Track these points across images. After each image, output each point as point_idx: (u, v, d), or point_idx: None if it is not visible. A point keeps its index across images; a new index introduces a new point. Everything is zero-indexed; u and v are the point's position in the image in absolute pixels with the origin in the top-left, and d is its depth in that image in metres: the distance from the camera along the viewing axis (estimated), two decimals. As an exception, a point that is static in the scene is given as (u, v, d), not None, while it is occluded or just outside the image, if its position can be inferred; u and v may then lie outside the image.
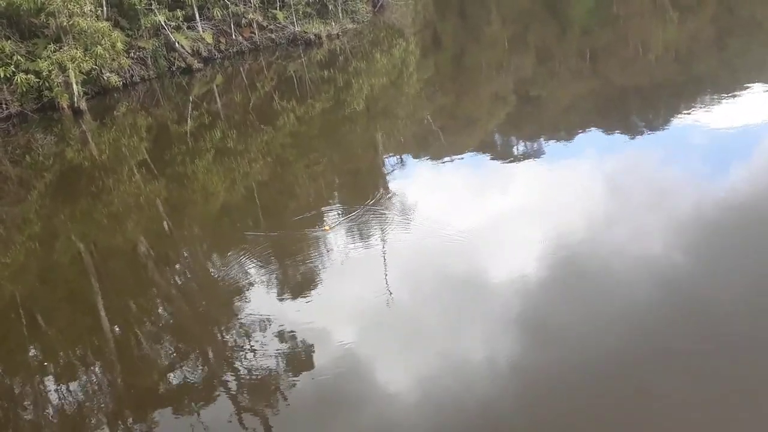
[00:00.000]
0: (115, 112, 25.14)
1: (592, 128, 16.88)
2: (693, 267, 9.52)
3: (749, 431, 6.58)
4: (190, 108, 25.03)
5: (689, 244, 10.10)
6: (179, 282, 12.00)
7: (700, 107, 17.12)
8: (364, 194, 14.42)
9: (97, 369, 9.49)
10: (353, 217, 13.00)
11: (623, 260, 9.90)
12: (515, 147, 17.55)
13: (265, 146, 19.58)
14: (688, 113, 16.64)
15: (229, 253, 12.14)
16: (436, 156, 16.55)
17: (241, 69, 30.64)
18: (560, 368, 7.82)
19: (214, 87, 28.33)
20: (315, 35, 33.62)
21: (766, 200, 11.03)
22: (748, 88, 17.95)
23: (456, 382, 7.82)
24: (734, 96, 17.51)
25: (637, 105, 18.85)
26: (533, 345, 8.37)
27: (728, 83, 19.30)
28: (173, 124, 23.38)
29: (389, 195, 14.13)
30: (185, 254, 13.08)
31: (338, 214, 13.41)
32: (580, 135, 16.66)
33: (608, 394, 7.34)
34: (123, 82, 26.92)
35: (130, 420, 8.28)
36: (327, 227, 11.32)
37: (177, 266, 12.66)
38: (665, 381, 7.35)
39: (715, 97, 17.99)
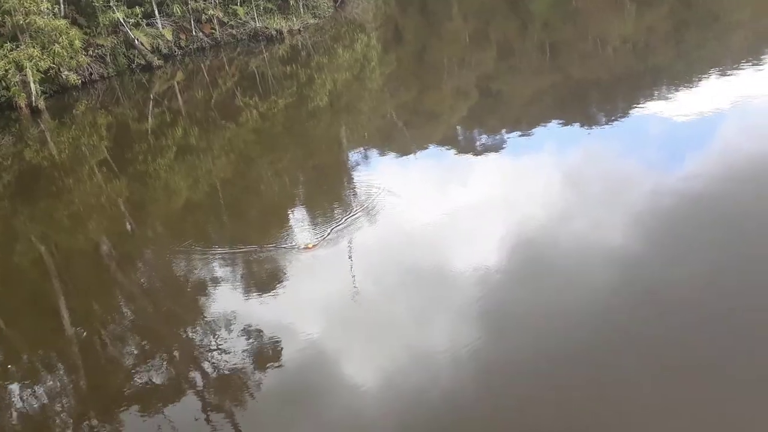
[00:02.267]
0: (74, 110, 24.79)
1: (553, 121, 17.08)
2: (650, 254, 9.70)
3: (701, 410, 6.74)
4: (150, 105, 24.78)
5: (646, 232, 10.30)
6: (143, 282, 11.89)
7: (657, 98, 17.44)
8: (329, 190, 14.46)
9: (61, 370, 9.38)
10: (321, 214, 13.03)
11: (582, 249, 10.08)
12: (478, 141, 17.67)
13: (228, 143, 19.47)
14: (646, 104, 16.94)
15: (194, 252, 12.06)
16: (401, 151, 16.62)
17: (203, 65, 30.39)
18: (521, 356, 7.95)
19: (175, 84, 28.06)
20: (276, 31, 33.48)
21: (719, 188, 11.27)
22: (703, 79, 18.33)
23: (420, 372, 7.89)
24: (690, 87, 17.89)
25: (596, 97, 19.12)
26: (495, 333, 8.48)
27: (684, 75, 19.69)
28: (134, 122, 23.13)
29: (355, 191, 14.17)
30: (148, 254, 12.95)
31: (305, 213, 13.44)
32: (541, 128, 16.84)
33: (568, 379, 7.47)
34: (82, 81, 26.55)
35: (96, 421, 8.20)
36: (310, 245, 11.25)
37: (140, 266, 12.53)
38: (623, 366, 7.51)
39: (672, 88, 18.33)
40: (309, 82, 25.82)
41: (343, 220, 12.27)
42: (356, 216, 12.35)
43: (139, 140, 20.51)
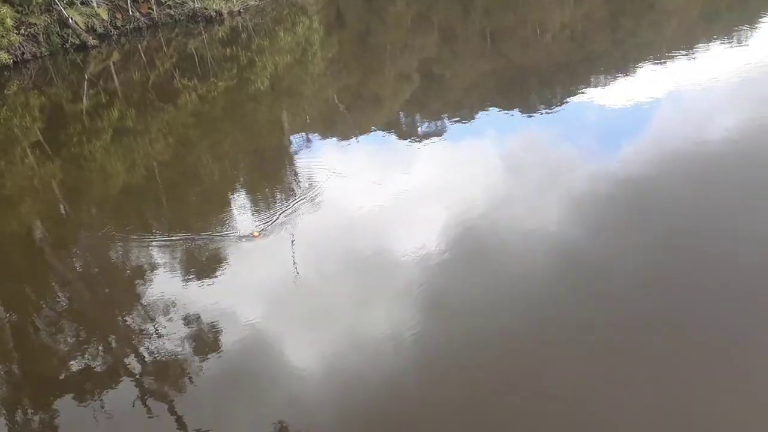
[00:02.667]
0: (5, 90, 23.97)
1: (493, 107, 17.26)
2: (586, 240, 9.92)
3: (636, 394, 6.94)
4: (85, 86, 24.12)
5: (583, 218, 10.53)
6: (78, 267, 11.61)
7: (594, 86, 17.78)
8: (271, 175, 14.34)
9: (-8, 358, 9.11)
10: (264, 200, 12.91)
11: (521, 235, 10.23)
12: (419, 125, 17.75)
13: (167, 126, 19.11)
14: (583, 92, 17.25)
15: (131, 238, 11.83)
16: (343, 135, 16.58)
17: (139, 46, 29.70)
18: (462, 339, 8.04)
19: (111, 65, 27.36)
20: (216, 12, 32.95)
21: (653, 173, 11.57)
22: (638, 66, 18.75)
23: (361, 357, 7.93)
24: (625, 74, 18.27)
25: (535, 84, 19.38)
26: (435, 319, 8.55)
27: (620, 62, 20.13)
28: (68, 103, 22.49)
29: (297, 176, 14.08)
30: (84, 238, 12.65)
31: (247, 199, 13.30)
32: (482, 114, 17.02)
33: (508, 362, 7.59)
34: (13, 60, 25.72)
35: (30, 410, 8.00)
36: (255, 233, 11.08)
37: (75, 251, 12.23)
38: (563, 347, 7.67)
39: (608, 75, 18.73)
40: (250, 65, 25.49)
41: (285, 206, 12.19)
42: (299, 202, 12.28)
43: (74, 122, 19.95)
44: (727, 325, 7.65)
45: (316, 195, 12.54)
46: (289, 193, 12.95)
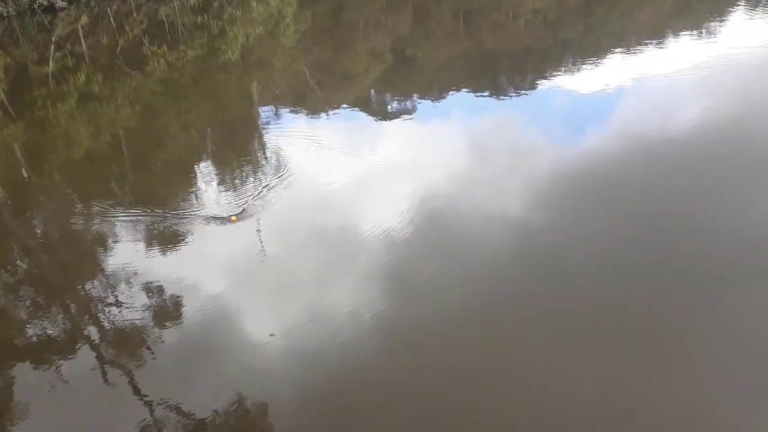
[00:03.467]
0: (-32, 50, 23.43)
1: (464, 89, 17.32)
2: (549, 223, 10.08)
3: (594, 374, 7.12)
4: (52, 49, 23.64)
5: (546, 201, 10.68)
6: (39, 232, 11.49)
7: (564, 72, 17.93)
8: (238, 147, 14.27)
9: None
10: (229, 173, 12.86)
11: (485, 216, 10.35)
12: (389, 104, 17.77)
13: (134, 92, 18.86)
14: (553, 77, 17.39)
15: (93, 203, 11.72)
16: (312, 110, 16.53)
17: (109, 10, 29.14)
18: (423, 319, 8.14)
19: (79, 28, 26.83)
20: (188, -21, 32.40)
21: (617, 159, 11.77)
22: (609, 54, 18.94)
23: (321, 332, 7.99)
24: (596, 62, 18.43)
25: (506, 68, 19.49)
26: (398, 297, 8.64)
27: (591, 49, 20.32)
28: (34, 65, 22.05)
29: (264, 149, 14.04)
30: (45, 203, 12.50)
31: (211, 169, 13.23)
32: (452, 95, 17.09)
33: (468, 343, 7.71)
34: (-23, 18, 25.09)
35: (-14, 375, 7.95)
36: (233, 217, 10.88)
37: (36, 216, 12.08)
38: (524, 329, 7.83)
39: (578, 62, 18.88)
40: (220, 34, 25.20)
41: (253, 183, 12.16)
42: (268, 179, 12.25)
43: (39, 85, 19.59)
44: (683, 308, 7.87)
45: (283, 171, 12.51)
46: (257, 168, 12.91)
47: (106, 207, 11.56)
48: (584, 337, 7.63)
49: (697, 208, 10.11)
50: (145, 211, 11.29)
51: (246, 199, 11.50)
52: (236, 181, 12.44)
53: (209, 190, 12.19)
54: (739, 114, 13.25)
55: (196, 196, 11.92)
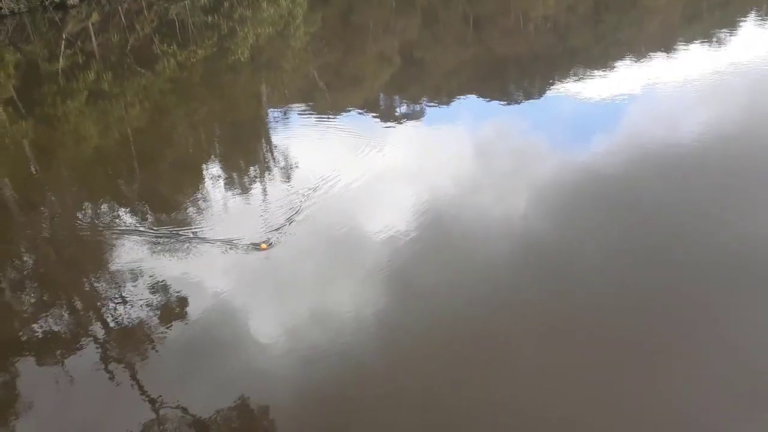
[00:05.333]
0: (-20, 46, 23.56)
1: (472, 94, 17.35)
2: (553, 227, 10.10)
3: (588, 373, 7.14)
4: (62, 46, 23.76)
5: (549, 208, 10.70)
6: (46, 228, 11.55)
7: (573, 79, 17.91)
8: (246, 148, 14.33)
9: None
10: (237, 173, 12.91)
11: (490, 221, 10.38)
12: (397, 108, 17.80)
13: (143, 91, 18.94)
14: (562, 84, 17.39)
15: (100, 199, 11.78)
16: (321, 112, 16.56)
17: (120, 8, 29.26)
18: (423, 319, 8.17)
19: (90, 25, 26.95)
20: (200, -22, 32.52)
21: (622, 167, 11.77)
22: (618, 62, 18.92)
23: (324, 334, 8.02)
24: (604, 70, 18.43)
25: (515, 74, 19.49)
26: (399, 301, 8.66)
27: (600, 57, 20.32)
28: (44, 62, 22.17)
29: (272, 149, 14.09)
30: (53, 199, 12.57)
31: (219, 165, 13.28)
32: (461, 100, 17.12)
33: (467, 343, 7.74)
34: (-9, 14, 25.23)
35: (-9, 370, 8.01)
36: (264, 245, 9.84)
37: (44, 211, 12.15)
38: (520, 331, 7.86)
39: (588, 70, 18.86)
40: (231, 34, 25.29)
41: (259, 182, 12.20)
42: (272, 174, 12.29)
43: (49, 81, 19.70)
44: (684, 312, 7.89)
45: (291, 171, 12.56)
46: (266, 168, 12.96)
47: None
48: (586, 342, 7.65)
49: (702, 215, 10.12)
50: (170, 231, 10.78)
51: (272, 222, 10.77)
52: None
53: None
54: (748, 123, 13.24)
55: (198, 199, 11.97)
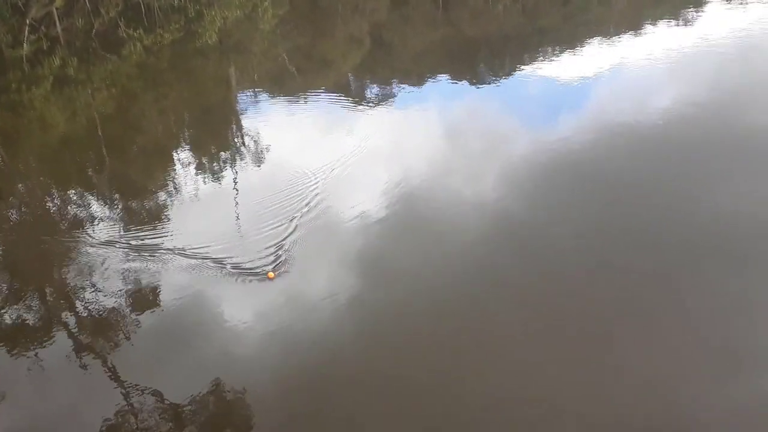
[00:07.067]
0: (-62, 31, 23.02)
1: (442, 75, 17.36)
2: (524, 206, 10.19)
3: (568, 350, 7.24)
4: (26, 32, 23.27)
5: (522, 186, 10.78)
6: (14, 216, 11.38)
7: (542, 59, 18.01)
8: (216, 133, 14.21)
9: None
10: (206, 159, 12.81)
11: (461, 201, 10.43)
12: (368, 90, 17.76)
13: (110, 76, 18.67)
14: (531, 64, 17.48)
15: (70, 186, 11.63)
16: (291, 95, 16.48)
17: (84, -8, 28.71)
18: (396, 303, 8.20)
19: (54, 10, 26.37)
20: (165, -39, 32.00)
21: (591, 145, 11.90)
22: (586, 42, 19.05)
23: (296, 316, 8.02)
24: (573, 49, 18.54)
25: (484, 54, 19.52)
26: (372, 283, 8.69)
27: (569, 37, 20.40)
28: (7, 47, 21.71)
29: (242, 134, 13.99)
30: (21, 187, 12.38)
31: (189, 153, 13.18)
32: (431, 81, 17.12)
33: (441, 328, 7.79)
34: (-52, -1, 24.59)
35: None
36: (270, 274, 8.84)
37: (11, 200, 11.96)
38: (496, 313, 7.93)
39: (556, 50, 18.95)
40: (198, 18, 24.96)
41: (231, 167, 12.13)
42: (244, 160, 12.23)
43: (13, 68, 19.33)
44: (662, 292, 8.03)
45: (262, 155, 12.50)
46: (234, 152, 12.88)
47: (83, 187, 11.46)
48: (563, 320, 7.75)
49: (672, 190, 10.28)
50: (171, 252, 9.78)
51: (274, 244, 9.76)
52: (211, 167, 12.40)
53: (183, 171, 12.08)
54: (714, 99, 13.43)
55: (169, 180, 11.86)
